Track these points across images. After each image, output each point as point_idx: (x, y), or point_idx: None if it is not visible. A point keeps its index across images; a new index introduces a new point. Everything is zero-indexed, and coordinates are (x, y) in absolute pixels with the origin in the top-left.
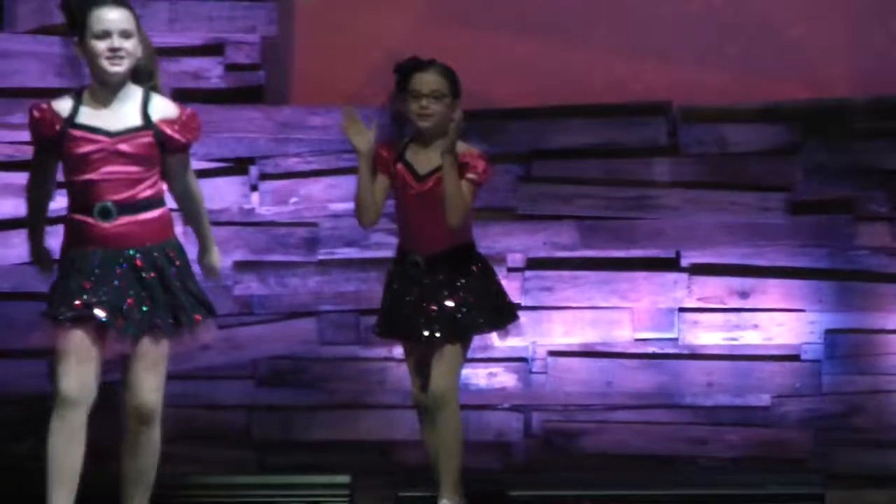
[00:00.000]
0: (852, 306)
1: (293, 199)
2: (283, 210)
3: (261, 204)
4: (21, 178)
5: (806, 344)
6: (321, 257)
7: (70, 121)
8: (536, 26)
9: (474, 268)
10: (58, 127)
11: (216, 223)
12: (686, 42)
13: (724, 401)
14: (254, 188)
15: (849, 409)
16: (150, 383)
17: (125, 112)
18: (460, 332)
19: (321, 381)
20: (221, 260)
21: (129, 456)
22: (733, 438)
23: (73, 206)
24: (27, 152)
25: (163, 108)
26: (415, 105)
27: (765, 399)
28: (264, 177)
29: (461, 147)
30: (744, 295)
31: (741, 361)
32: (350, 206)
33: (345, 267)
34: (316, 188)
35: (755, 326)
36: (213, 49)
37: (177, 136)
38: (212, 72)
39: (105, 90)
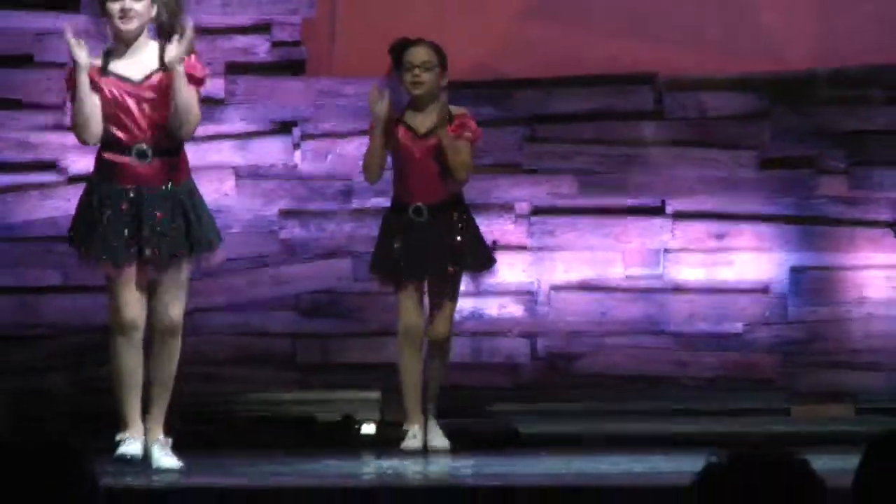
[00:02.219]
0: (814, 247)
1: (330, 157)
2: (322, 166)
3: (302, 160)
4: None
5: (774, 279)
6: (354, 206)
7: (103, 70)
8: (541, 9)
9: (465, 216)
10: (94, 77)
11: (265, 177)
12: (672, 22)
13: (702, 328)
14: (296, 147)
15: (811, 336)
16: (176, 306)
17: (144, 62)
18: (471, 266)
19: (355, 311)
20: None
21: (156, 363)
22: (710, 361)
23: (109, 147)
24: None
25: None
26: (408, 76)
27: (738, 327)
28: (305, 137)
29: (454, 110)
30: (720, 237)
31: (717, 294)
32: None
33: (375, 214)
34: (350, 147)
35: (730, 264)
36: (260, 28)
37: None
38: (259, 48)
39: (122, 46)
